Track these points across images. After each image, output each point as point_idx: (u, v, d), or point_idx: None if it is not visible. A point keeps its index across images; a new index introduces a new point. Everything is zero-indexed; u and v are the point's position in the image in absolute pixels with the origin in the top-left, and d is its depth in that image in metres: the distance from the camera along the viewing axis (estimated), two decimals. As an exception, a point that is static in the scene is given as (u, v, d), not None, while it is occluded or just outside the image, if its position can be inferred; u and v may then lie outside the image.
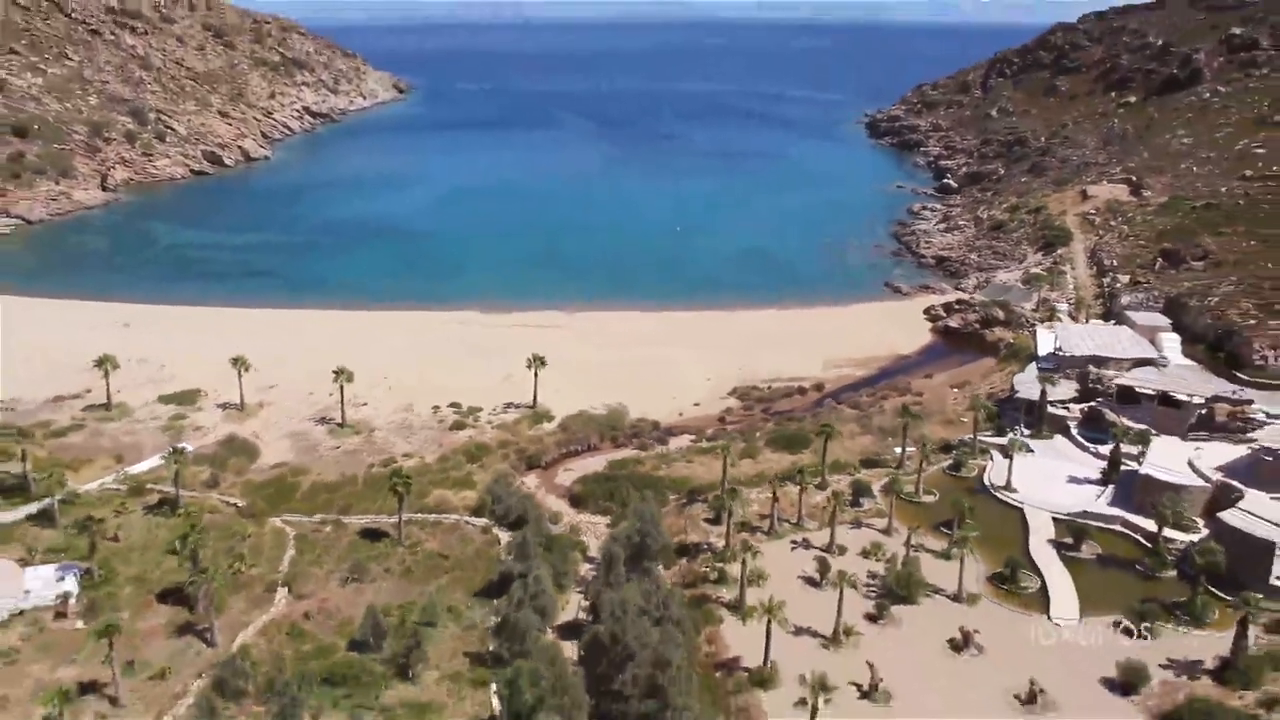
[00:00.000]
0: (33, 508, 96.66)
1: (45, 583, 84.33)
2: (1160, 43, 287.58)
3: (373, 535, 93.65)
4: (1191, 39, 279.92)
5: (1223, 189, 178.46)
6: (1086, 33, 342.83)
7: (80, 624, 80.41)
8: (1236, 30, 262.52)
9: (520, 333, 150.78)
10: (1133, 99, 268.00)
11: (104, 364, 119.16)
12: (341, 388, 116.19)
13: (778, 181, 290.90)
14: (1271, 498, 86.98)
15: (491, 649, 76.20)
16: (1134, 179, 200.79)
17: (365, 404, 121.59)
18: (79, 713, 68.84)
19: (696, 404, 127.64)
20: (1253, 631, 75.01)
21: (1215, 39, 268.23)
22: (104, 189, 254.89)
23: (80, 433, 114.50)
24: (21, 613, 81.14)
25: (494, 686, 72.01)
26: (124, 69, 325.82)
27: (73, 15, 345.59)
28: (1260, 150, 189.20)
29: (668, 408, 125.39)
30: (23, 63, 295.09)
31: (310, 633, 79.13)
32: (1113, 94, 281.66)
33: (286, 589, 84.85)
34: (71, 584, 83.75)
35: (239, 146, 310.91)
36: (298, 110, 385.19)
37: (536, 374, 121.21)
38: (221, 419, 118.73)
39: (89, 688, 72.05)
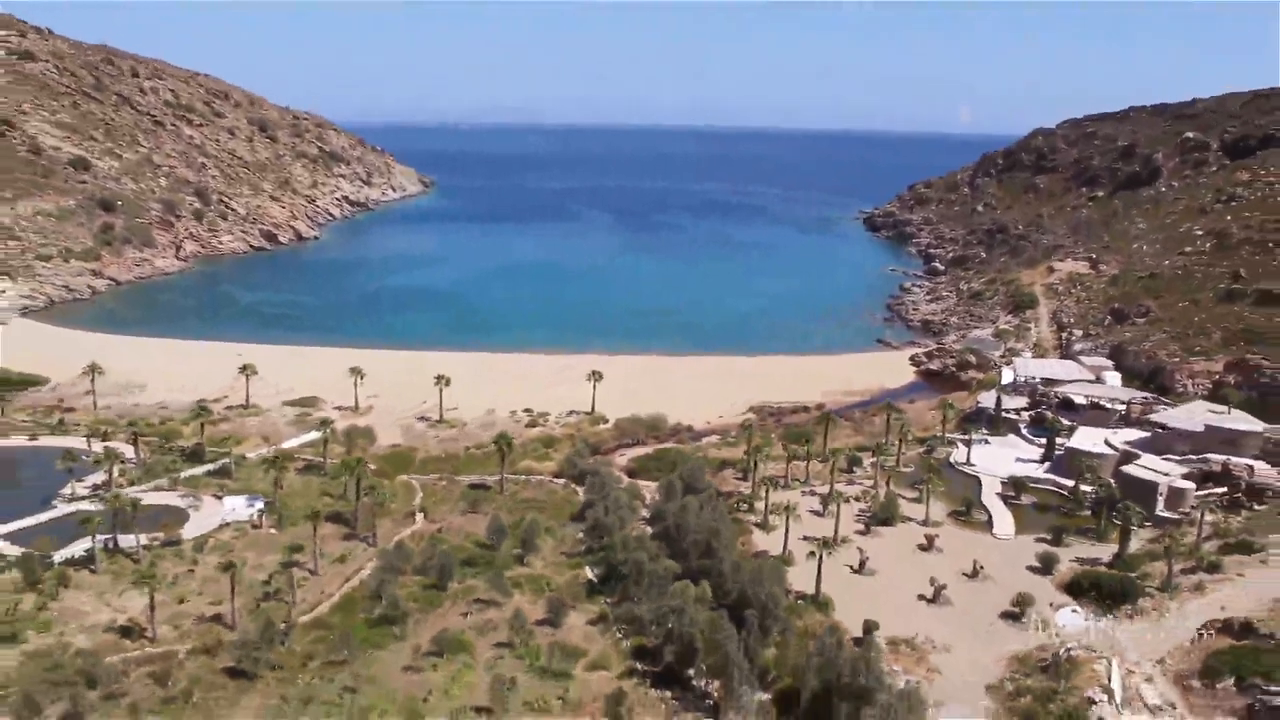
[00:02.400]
0: (210, 466, 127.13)
1: (239, 506, 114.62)
2: (1125, 145, 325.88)
3: (478, 488, 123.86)
4: (1154, 143, 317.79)
5: (1165, 262, 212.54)
6: (1064, 137, 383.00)
7: (273, 530, 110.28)
8: (1190, 134, 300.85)
9: (569, 369, 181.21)
10: (1100, 193, 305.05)
11: (245, 370, 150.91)
12: (441, 390, 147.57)
13: (782, 265, 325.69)
14: (1164, 458, 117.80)
15: (583, 548, 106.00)
16: (1094, 257, 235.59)
17: (455, 408, 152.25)
18: (291, 577, 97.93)
19: (720, 416, 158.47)
20: (1137, 541, 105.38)
21: (1173, 142, 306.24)
22: (178, 258, 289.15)
23: (228, 424, 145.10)
24: (227, 524, 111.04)
25: (587, 567, 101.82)
26: (187, 155, 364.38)
27: (138, 109, 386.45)
28: (1199, 232, 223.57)
29: (697, 418, 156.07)
30: (102, 148, 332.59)
31: (445, 538, 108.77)
32: (1084, 189, 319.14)
33: (422, 514, 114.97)
34: (260, 506, 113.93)
35: (291, 227, 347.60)
36: (338, 198, 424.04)
37: (595, 386, 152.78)
38: (339, 417, 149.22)
39: (285, 566, 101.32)
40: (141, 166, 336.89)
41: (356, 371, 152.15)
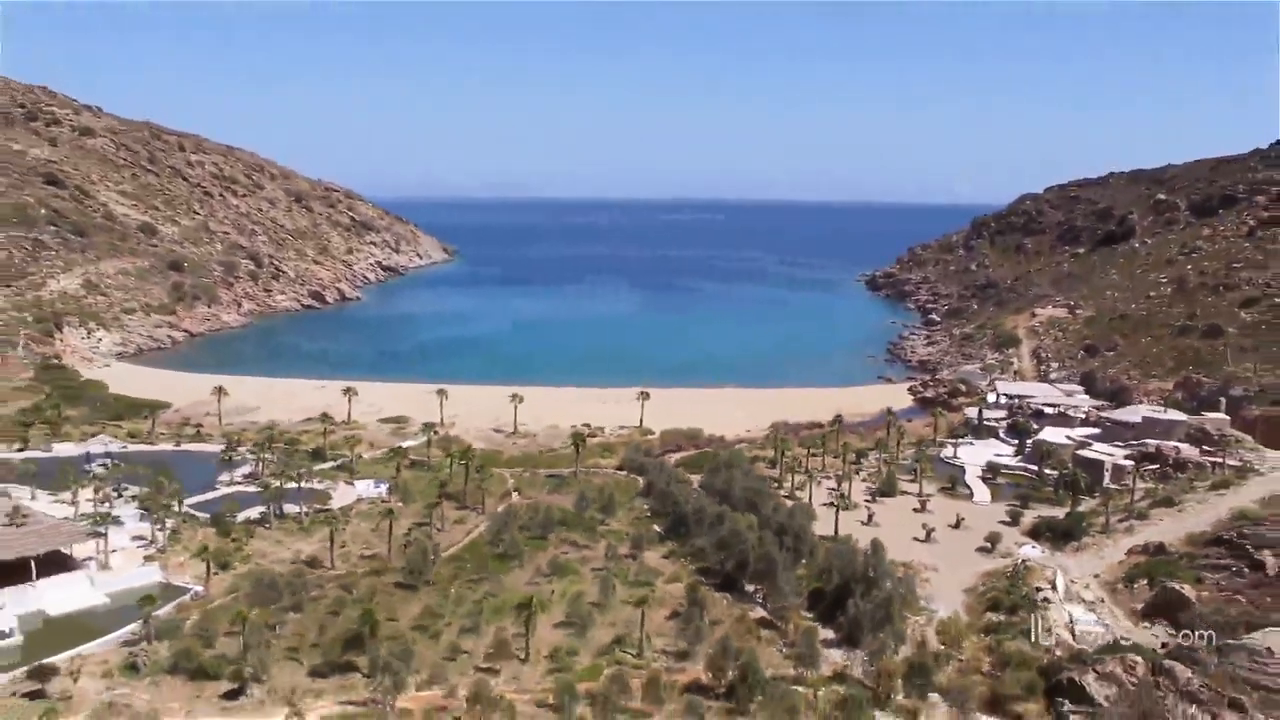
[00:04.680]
0: (335, 463, 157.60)
1: (369, 487, 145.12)
2: (1104, 207, 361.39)
3: (555, 477, 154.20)
4: (1130, 204, 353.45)
5: (1133, 306, 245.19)
6: (1049, 201, 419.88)
7: (400, 504, 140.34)
8: (1161, 196, 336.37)
9: (610, 399, 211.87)
10: (1082, 250, 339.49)
11: (348, 392, 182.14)
12: (515, 407, 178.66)
13: (790, 319, 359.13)
14: (1112, 444, 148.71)
15: (650, 515, 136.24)
16: (1072, 304, 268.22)
17: (524, 423, 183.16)
18: (427, 531, 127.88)
19: (748, 430, 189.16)
20: (1087, 506, 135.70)
21: (1147, 203, 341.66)
22: (240, 314, 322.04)
23: (334, 436, 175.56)
24: (362, 499, 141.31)
25: (655, 525, 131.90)
26: (238, 223, 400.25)
27: (189, 180, 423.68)
28: (1164, 280, 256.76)
29: (727, 432, 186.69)
30: (163, 215, 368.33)
31: (539, 508, 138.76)
32: (1067, 248, 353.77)
33: (516, 493, 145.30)
34: (386, 487, 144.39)
35: (336, 288, 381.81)
36: (372, 264, 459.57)
37: (643, 405, 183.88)
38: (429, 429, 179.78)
39: (418, 525, 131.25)
40: (199, 232, 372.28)
41: (442, 393, 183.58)
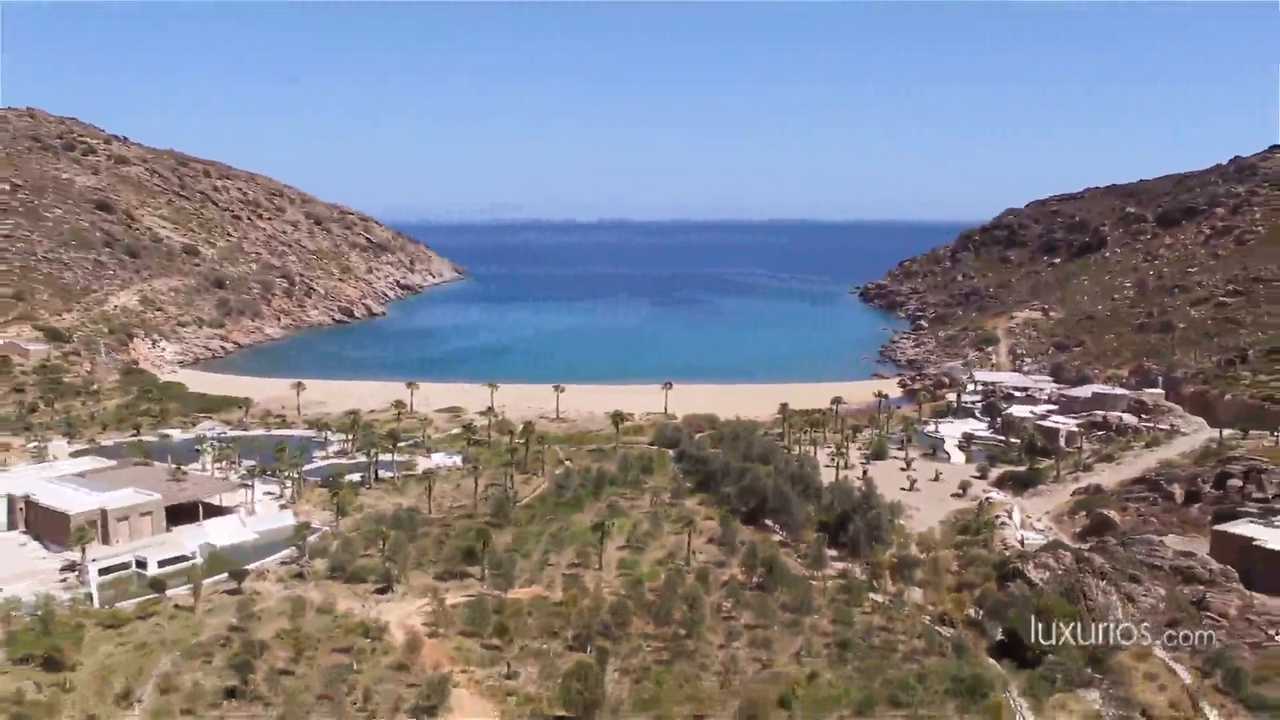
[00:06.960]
0: (409, 442, 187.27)
1: (442, 458, 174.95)
2: (1080, 220, 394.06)
3: (599, 451, 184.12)
4: (1103, 217, 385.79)
5: (1099, 307, 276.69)
6: (1030, 215, 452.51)
7: (473, 467, 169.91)
8: (1131, 209, 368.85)
9: (636, 394, 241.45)
10: (1058, 260, 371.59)
11: (411, 385, 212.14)
12: (558, 396, 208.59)
13: (793, 329, 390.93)
14: (1067, 415, 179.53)
15: (682, 475, 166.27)
16: (1045, 307, 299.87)
17: (562, 411, 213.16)
18: (503, 487, 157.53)
19: (757, 416, 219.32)
20: (1045, 461, 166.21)
21: (1118, 216, 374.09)
22: (280, 327, 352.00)
23: (404, 422, 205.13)
24: (438, 467, 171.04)
25: (688, 483, 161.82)
26: (269, 244, 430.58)
27: (219, 205, 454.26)
28: (1128, 285, 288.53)
29: (741, 416, 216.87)
30: (200, 238, 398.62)
31: (590, 470, 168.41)
32: (1045, 257, 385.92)
33: (569, 461, 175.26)
34: (459, 458, 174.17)
35: (364, 304, 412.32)
36: (391, 283, 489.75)
37: (666, 394, 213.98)
38: (480, 417, 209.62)
39: (490, 486, 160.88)
40: (234, 253, 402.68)
41: (493, 386, 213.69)
